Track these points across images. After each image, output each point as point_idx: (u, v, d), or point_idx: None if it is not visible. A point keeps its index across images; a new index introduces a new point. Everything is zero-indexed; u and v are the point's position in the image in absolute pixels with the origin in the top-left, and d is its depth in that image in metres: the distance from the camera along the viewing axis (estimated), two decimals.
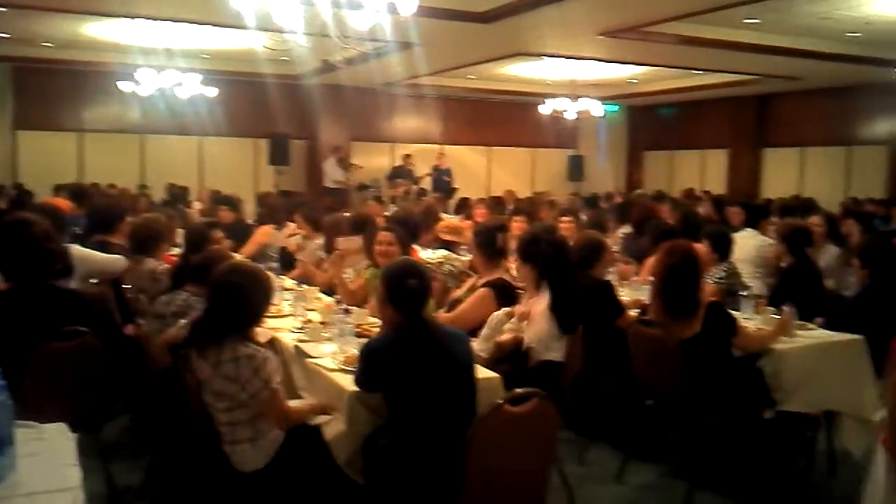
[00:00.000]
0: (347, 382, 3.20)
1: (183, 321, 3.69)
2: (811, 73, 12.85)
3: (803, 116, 15.59)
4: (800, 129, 15.68)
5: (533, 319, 4.10)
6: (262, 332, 3.51)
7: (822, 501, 4.17)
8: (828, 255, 6.57)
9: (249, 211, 11.70)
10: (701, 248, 4.95)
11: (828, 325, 4.46)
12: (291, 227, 7.39)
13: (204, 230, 5.08)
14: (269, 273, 3.58)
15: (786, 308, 4.31)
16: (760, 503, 4.12)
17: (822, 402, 4.15)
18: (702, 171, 17.69)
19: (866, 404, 4.09)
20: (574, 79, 13.87)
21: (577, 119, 14.70)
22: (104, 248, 4.98)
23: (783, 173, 16.09)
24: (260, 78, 13.92)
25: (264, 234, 7.35)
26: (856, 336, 4.25)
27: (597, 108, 14.50)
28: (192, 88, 12.09)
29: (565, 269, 4.21)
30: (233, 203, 8.95)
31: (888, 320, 4.49)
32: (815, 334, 4.34)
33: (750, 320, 4.42)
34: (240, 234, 7.28)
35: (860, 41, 10.97)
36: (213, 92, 12.58)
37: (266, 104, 14.90)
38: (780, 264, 5.79)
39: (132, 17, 9.97)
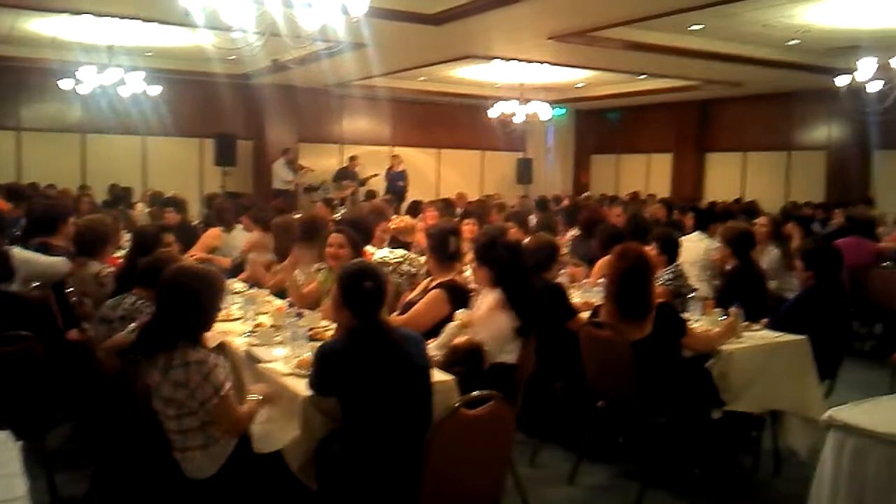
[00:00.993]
0: (300, 387, 3.16)
1: (132, 325, 3.60)
2: (753, 79, 13.18)
3: (745, 122, 15.97)
4: (741, 133, 16.06)
5: (488, 322, 4.11)
6: (212, 336, 3.45)
7: (768, 499, 4.26)
8: (770, 257, 6.75)
9: (195, 212, 11.50)
10: (649, 250, 5.02)
11: (773, 326, 4.56)
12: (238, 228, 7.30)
13: (156, 233, 4.95)
14: (220, 275, 3.51)
15: (733, 309, 4.41)
16: (709, 502, 4.19)
17: (768, 402, 4.24)
18: (647, 175, 17.99)
19: (810, 403, 4.20)
20: (523, 82, 13.97)
21: (525, 122, 14.81)
22: (46, 250, 4.83)
23: (725, 177, 16.46)
24: (206, 77, 13.72)
25: (212, 237, 7.22)
26: (800, 336, 4.36)
27: (545, 112, 14.63)
28: (136, 87, 11.83)
29: (521, 273, 4.23)
30: (178, 204, 8.78)
31: (831, 321, 4.64)
32: (761, 335, 4.43)
33: (698, 322, 4.50)
34: (186, 236, 7.14)
35: (799, 49, 11.29)
36: (156, 90, 12.33)
37: (212, 103, 14.67)
38: (725, 267, 5.91)
39: (73, 13, 9.71)
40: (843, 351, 4.69)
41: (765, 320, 4.71)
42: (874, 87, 9.43)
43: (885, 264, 7.44)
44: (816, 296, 4.69)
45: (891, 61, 8.89)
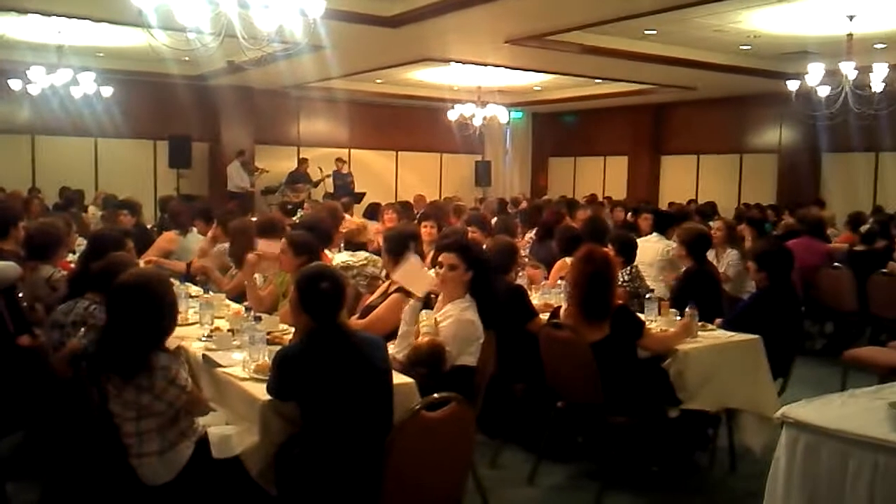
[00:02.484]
0: (259, 391, 3.13)
1: (83, 330, 3.53)
2: (706, 83, 13.41)
3: (698, 125, 16.25)
4: (695, 137, 16.34)
5: (451, 323, 4.10)
6: (169, 340, 3.40)
7: (724, 496, 4.33)
8: (729, 259, 6.89)
9: (149, 216, 11.31)
10: (606, 251, 5.07)
11: (728, 326, 4.64)
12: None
13: (119, 238, 4.82)
14: (172, 279, 3.47)
15: (689, 310, 4.47)
16: (667, 500, 4.25)
17: (723, 400, 4.31)
18: (603, 177, 18.20)
19: (764, 401, 4.28)
20: (480, 85, 14.02)
21: (483, 125, 14.87)
22: None
23: (680, 179, 16.73)
24: (160, 78, 13.51)
25: (167, 241, 7.11)
26: (754, 336, 4.44)
27: (503, 115, 14.71)
28: (87, 87, 11.59)
29: (487, 275, 4.24)
30: (132, 207, 8.62)
31: (784, 320, 4.73)
32: (716, 335, 4.51)
33: (654, 322, 4.56)
34: (140, 240, 7.01)
35: (750, 53, 11.53)
36: (109, 91, 12.11)
37: (167, 105, 14.46)
38: (681, 267, 6.00)
39: (22, 13, 9.49)
40: (796, 350, 4.78)
41: (719, 320, 4.79)
42: (823, 91, 9.66)
43: (835, 265, 7.62)
44: (771, 296, 4.78)
45: (839, 66, 9.11)
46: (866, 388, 3.07)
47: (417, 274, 4.29)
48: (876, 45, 10.16)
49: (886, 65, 9.26)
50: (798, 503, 2.67)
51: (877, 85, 9.36)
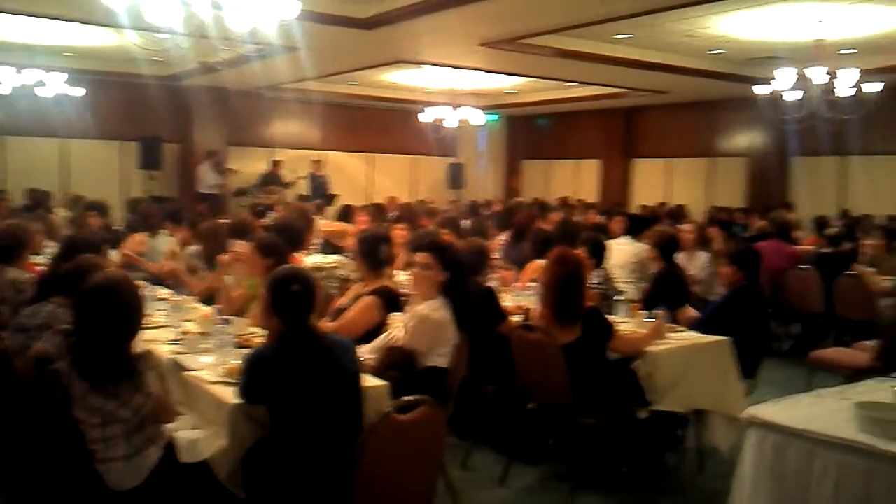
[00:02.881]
0: (228, 395, 3.11)
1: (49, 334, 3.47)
2: (677, 87, 13.53)
3: (670, 129, 16.39)
4: (666, 140, 16.47)
5: (434, 329, 4.10)
6: (136, 344, 3.36)
7: (693, 496, 4.37)
8: (700, 261, 6.97)
9: (118, 217, 11.17)
10: (578, 253, 5.10)
11: (700, 327, 4.68)
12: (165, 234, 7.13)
13: (96, 242, 4.75)
14: (139, 283, 3.43)
15: (659, 311, 4.52)
16: (637, 501, 4.27)
17: (692, 401, 4.36)
18: (576, 180, 18.29)
19: (732, 402, 4.33)
20: (454, 88, 14.03)
21: (457, 127, 14.88)
22: None
23: (651, 182, 16.85)
24: (131, 78, 13.35)
25: (136, 243, 7.03)
26: (722, 338, 4.49)
27: (477, 118, 14.73)
28: (56, 87, 11.43)
29: (461, 277, 4.25)
30: (101, 209, 8.52)
31: (754, 321, 4.79)
32: (685, 336, 4.55)
33: (625, 324, 4.60)
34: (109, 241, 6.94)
35: (721, 58, 11.65)
36: (79, 92, 11.95)
37: (137, 105, 14.29)
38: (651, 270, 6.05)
39: None
40: (763, 351, 4.84)
41: (690, 310, 4.83)
42: (792, 96, 9.79)
43: (802, 267, 7.72)
44: (747, 295, 4.84)
45: (807, 71, 9.24)
46: (832, 388, 3.12)
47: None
48: (844, 51, 10.32)
49: (854, 70, 9.41)
50: (765, 502, 2.70)
51: (845, 90, 9.50)
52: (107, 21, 7.98)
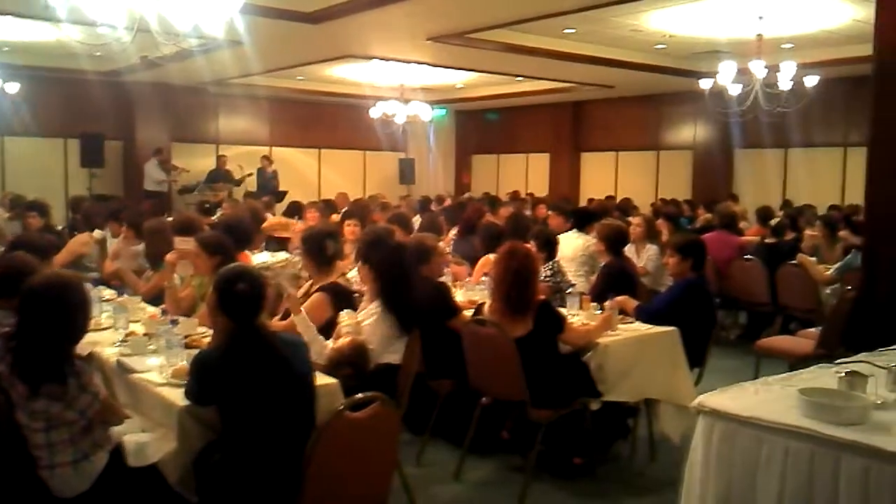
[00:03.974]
0: (176, 397, 3.05)
1: None
2: (624, 81, 13.70)
3: (617, 122, 16.59)
4: (614, 134, 16.67)
5: (372, 326, 4.09)
6: (80, 346, 3.27)
7: (644, 484, 4.43)
8: (649, 254, 7.06)
9: (60, 217, 10.89)
10: (529, 248, 5.13)
11: (649, 318, 4.73)
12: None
13: (45, 246, 4.59)
14: (84, 283, 3.33)
15: (608, 303, 4.56)
16: (590, 490, 4.32)
17: (642, 391, 4.42)
18: (526, 174, 18.41)
19: (682, 391, 4.40)
20: (403, 83, 13.98)
21: (406, 122, 14.83)
22: None
23: (599, 176, 17.05)
24: (70, 73, 12.98)
25: (79, 243, 6.84)
26: (671, 328, 4.56)
27: (426, 112, 14.70)
28: None
29: (402, 271, 4.23)
30: (41, 208, 8.28)
31: (702, 311, 4.88)
32: (634, 327, 4.61)
33: (576, 316, 4.64)
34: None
35: (666, 53, 11.82)
36: (15, 87, 11.59)
37: (78, 101, 13.93)
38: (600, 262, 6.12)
39: None
40: (711, 340, 4.92)
41: (626, 298, 4.89)
42: (735, 89, 9.98)
43: (747, 257, 7.88)
44: (694, 286, 4.91)
45: (749, 65, 9.43)
46: (777, 375, 3.18)
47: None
48: (784, 45, 10.56)
49: (794, 64, 9.64)
50: (715, 489, 2.74)
51: (785, 83, 9.73)
52: (44, 15, 7.75)
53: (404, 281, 4.17)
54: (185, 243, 4.85)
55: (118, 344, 3.84)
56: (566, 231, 7.08)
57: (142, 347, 3.71)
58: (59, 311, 2.92)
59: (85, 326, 3.07)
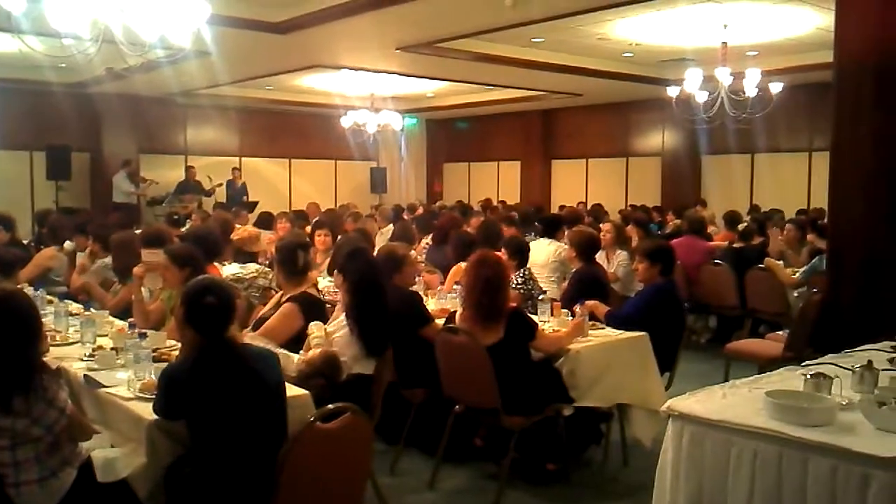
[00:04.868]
0: (145, 411, 3.01)
1: None
2: (592, 89, 13.82)
3: (586, 130, 16.73)
4: (583, 141, 16.81)
5: (342, 333, 4.07)
6: (48, 361, 3.22)
7: (617, 489, 4.45)
8: (619, 260, 7.12)
9: (26, 230, 10.71)
10: (500, 255, 5.14)
11: (620, 324, 4.77)
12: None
13: (14, 261, 4.51)
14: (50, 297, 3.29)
15: (579, 309, 4.59)
16: (564, 496, 4.33)
17: (614, 396, 4.44)
18: (497, 182, 18.49)
19: (653, 395, 4.43)
20: (373, 92, 13.98)
21: (378, 131, 14.83)
22: None
23: (570, 183, 17.17)
24: (35, 85, 12.82)
25: (46, 257, 6.75)
26: (641, 333, 4.59)
27: (397, 121, 14.71)
28: None
29: (376, 283, 4.21)
30: (7, 222, 8.14)
31: (672, 316, 4.92)
32: (605, 333, 4.64)
33: (547, 323, 4.66)
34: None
35: (633, 61, 11.95)
36: None
37: (43, 113, 13.76)
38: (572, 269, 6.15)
39: None
40: (681, 344, 4.97)
41: (594, 304, 4.92)
42: (701, 96, 10.11)
43: (716, 262, 7.96)
44: (664, 291, 4.95)
45: (715, 73, 9.56)
46: (745, 378, 3.21)
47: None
48: (749, 53, 10.72)
49: (759, 71, 9.79)
50: (685, 492, 2.76)
51: (750, 90, 9.87)
52: (6, 26, 7.62)
53: (377, 301, 4.12)
54: (152, 255, 4.80)
55: (86, 358, 3.79)
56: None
57: (110, 362, 3.66)
58: (11, 324, 2.85)
59: (37, 337, 2.99)
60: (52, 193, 13.95)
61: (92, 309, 5.08)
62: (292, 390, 3.22)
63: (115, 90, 13.53)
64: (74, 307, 5.13)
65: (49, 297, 5.28)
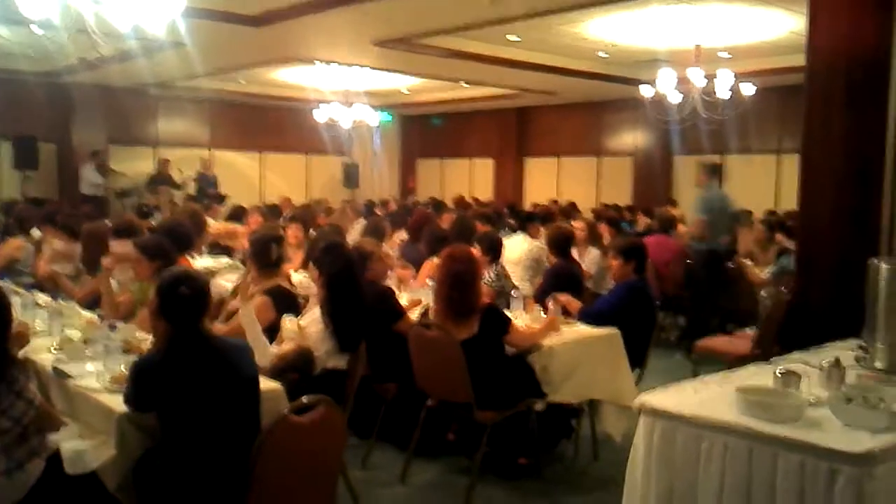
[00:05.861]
0: (115, 403, 2.98)
1: None
2: (566, 88, 13.88)
3: (559, 128, 16.80)
4: (556, 140, 16.88)
5: (316, 327, 4.06)
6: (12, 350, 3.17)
7: (589, 483, 4.48)
8: (591, 257, 7.17)
9: None
10: (473, 251, 5.15)
11: (592, 320, 4.80)
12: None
13: None
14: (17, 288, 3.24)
15: (551, 305, 4.62)
16: (535, 490, 4.35)
17: (586, 392, 4.48)
18: (470, 179, 18.51)
19: (624, 391, 4.47)
20: (348, 87, 13.92)
21: (351, 126, 14.77)
22: None
23: (542, 180, 17.24)
24: (2, 74, 12.59)
25: (12, 247, 6.64)
26: (613, 330, 4.63)
27: (371, 117, 14.66)
28: None
29: (352, 277, 4.20)
30: None
31: (643, 313, 4.96)
32: (577, 329, 4.67)
33: (520, 319, 4.67)
34: None
35: (608, 61, 12.02)
36: None
37: (10, 102, 13.48)
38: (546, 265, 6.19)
39: None
40: (651, 341, 5.01)
41: (567, 299, 4.96)
42: (674, 97, 10.20)
43: (686, 260, 8.04)
44: (635, 288, 5.00)
45: (688, 74, 9.65)
46: (715, 374, 3.25)
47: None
48: (721, 55, 10.83)
49: (731, 73, 9.89)
50: (656, 486, 2.79)
51: (722, 91, 9.98)
52: None
53: (353, 296, 4.11)
54: (121, 246, 4.75)
55: (54, 350, 3.73)
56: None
57: (79, 354, 3.61)
58: None
59: (8, 329, 2.95)
60: (19, 184, 13.73)
61: (59, 300, 5.00)
62: (266, 383, 3.21)
63: (88, 80, 13.35)
64: (42, 298, 5.06)
65: (15, 289, 5.20)
